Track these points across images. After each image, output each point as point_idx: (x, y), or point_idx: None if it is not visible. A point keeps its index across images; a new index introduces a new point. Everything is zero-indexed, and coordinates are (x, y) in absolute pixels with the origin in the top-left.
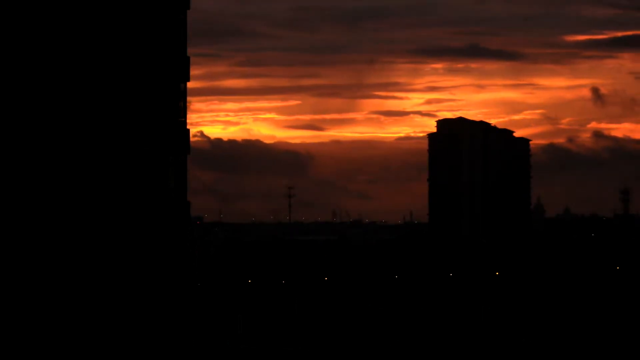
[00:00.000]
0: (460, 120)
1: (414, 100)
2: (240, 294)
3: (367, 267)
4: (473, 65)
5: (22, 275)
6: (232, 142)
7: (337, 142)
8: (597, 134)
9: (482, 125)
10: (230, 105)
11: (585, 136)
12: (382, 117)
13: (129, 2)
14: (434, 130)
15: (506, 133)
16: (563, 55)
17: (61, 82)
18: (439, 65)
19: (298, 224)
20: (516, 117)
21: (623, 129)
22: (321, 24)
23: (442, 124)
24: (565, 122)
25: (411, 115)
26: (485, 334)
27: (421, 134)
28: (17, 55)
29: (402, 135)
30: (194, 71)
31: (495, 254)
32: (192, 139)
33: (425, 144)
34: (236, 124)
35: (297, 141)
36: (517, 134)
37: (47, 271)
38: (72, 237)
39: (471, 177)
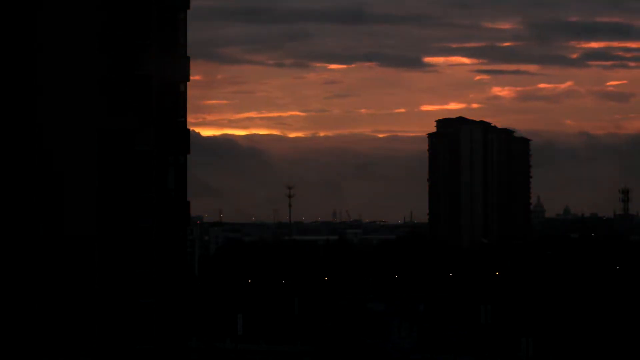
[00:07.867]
0: (460, 120)
1: None
2: (240, 294)
3: (367, 267)
4: None
5: (22, 275)
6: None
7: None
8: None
9: (482, 125)
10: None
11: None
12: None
13: (129, 2)
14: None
15: (506, 133)
16: None
17: (61, 82)
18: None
19: (298, 224)
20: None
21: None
22: None
23: (442, 123)
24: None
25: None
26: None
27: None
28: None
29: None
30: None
31: (495, 254)
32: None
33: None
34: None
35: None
36: (517, 133)
37: (47, 270)
38: (72, 236)
39: (471, 177)
